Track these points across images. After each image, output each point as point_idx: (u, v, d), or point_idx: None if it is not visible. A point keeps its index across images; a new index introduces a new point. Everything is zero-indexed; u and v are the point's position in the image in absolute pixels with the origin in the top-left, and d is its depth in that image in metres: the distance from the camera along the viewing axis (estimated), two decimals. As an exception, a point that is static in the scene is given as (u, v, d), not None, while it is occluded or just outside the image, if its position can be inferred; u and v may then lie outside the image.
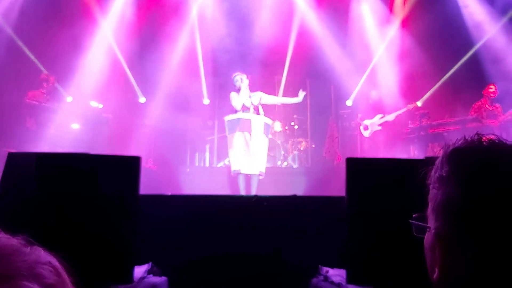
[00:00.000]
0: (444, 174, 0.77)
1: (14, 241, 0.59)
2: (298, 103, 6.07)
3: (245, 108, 5.38)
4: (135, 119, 7.48)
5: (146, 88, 7.54)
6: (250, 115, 5.35)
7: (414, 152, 6.59)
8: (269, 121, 5.62)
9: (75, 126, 5.92)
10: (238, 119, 5.28)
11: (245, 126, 5.27)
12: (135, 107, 7.48)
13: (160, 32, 7.48)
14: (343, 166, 4.68)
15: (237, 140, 5.15)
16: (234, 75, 5.55)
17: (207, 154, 8.06)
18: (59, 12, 6.87)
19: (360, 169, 2.17)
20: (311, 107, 7.95)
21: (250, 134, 5.23)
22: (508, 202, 0.69)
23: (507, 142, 0.75)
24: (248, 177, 5.33)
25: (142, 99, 7.59)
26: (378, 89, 7.03)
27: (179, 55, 7.39)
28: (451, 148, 0.79)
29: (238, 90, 5.46)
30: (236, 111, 5.32)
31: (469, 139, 0.78)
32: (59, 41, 6.76)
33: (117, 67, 7.22)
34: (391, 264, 1.87)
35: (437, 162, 0.80)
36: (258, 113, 5.45)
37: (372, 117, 6.80)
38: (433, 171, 0.81)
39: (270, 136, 5.92)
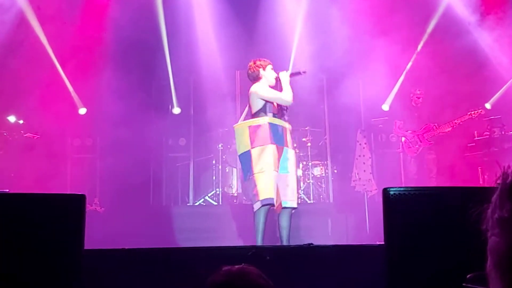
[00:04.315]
0: (505, 215, 0.81)
1: None
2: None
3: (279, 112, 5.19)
4: (72, 138, 7.53)
5: (87, 93, 7.57)
6: (282, 121, 5.17)
7: (483, 176, 6.66)
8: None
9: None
10: (276, 125, 5.07)
11: (281, 137, 5.08)
12: (72, 122, 7.51)
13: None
14: (379, 199, 4.71)
15: (270, 154, 4.92)
16: (265, 62, 5.19)
17: (179, 187, 8.10)
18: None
19: (403, 203, 2.25)
20: (331, 115, 7.99)
21: (286, 148, 5.10)
22: None
23: None
24: (283, 213, 5.04)
25: (82, 110, 7.62)
26: (426, 87, 7.09)
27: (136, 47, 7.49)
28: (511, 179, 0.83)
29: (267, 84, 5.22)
30: (264, 113, 5.03)
31: None
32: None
33: (46, 66, 7.26)
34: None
35: (494, 199, 0.84)
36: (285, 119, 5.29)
37: (418, 128, 6.87)
38: (489, 211, 0.85)
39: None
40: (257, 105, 5.00)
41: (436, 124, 6.79)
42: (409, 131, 6.90)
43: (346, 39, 7.17)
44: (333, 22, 7.35)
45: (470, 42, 7.18)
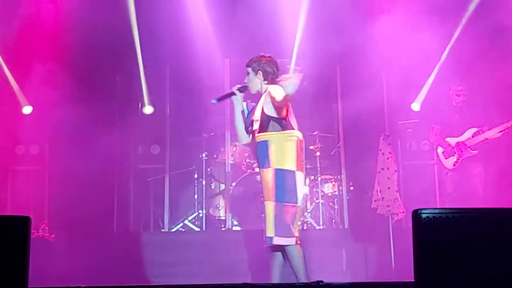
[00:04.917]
0: None
1: None
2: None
3: None
4: (14, 145, 7.51)
5: (34, 88, 7.55)
6: None
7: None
8: None
9: None
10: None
11: None
12: (14, 124, 7.50)
13: None
14: (408, 224, 4.69)
15: None
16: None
17: (152, 209, 8.13)
18: None
19: (438, 229, 2.27)
20: (346, 116, 8.01)
21: None
22: None
23: None
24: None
25: (26, 109, 7.64)
26: (468, 81, 7.10)
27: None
28: None
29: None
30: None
31: None
32: None
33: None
34: None
35: None
36: None
37: (459, 133, 6.95)
38: None
39: None
40: None
41: (482, 129, 6.79)
42: (447, 138, 6.87)
43: (365, 18, 7.19)
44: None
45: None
